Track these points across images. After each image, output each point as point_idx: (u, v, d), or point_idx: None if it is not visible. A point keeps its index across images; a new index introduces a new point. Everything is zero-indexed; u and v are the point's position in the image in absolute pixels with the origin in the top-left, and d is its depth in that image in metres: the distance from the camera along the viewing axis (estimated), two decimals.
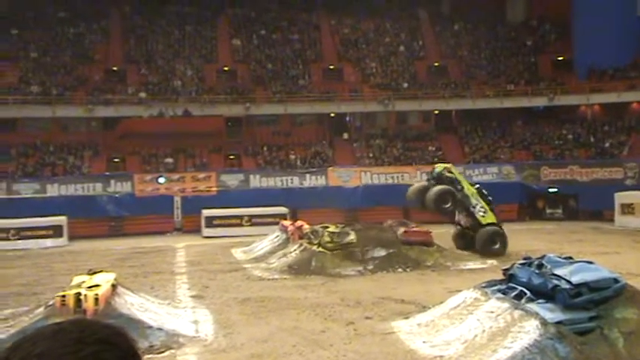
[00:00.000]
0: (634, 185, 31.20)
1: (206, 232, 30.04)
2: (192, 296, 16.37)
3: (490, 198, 22.47)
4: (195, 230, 30.45)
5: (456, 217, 22.67)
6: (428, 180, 23.26)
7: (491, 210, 22.20)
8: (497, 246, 21.60)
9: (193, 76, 38.56)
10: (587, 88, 36.20)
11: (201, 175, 33.83)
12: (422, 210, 23.58)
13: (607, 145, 35.02)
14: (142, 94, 36.16)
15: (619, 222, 29.31)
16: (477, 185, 23.13)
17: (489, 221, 21.92)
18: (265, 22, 42.35)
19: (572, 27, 38.13)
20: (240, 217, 30.63)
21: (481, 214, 22.04)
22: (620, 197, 29.86)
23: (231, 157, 36.57)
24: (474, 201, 22.12)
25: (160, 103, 35.61)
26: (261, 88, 38.20)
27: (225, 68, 39.95)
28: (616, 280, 11.33)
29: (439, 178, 22.42)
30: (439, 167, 23.14)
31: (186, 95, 36.67)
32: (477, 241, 21.77)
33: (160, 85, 37.25)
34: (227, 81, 39.23)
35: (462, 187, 22.29)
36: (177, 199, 32.20)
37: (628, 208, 29.61)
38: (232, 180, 33.85)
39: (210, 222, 30.41)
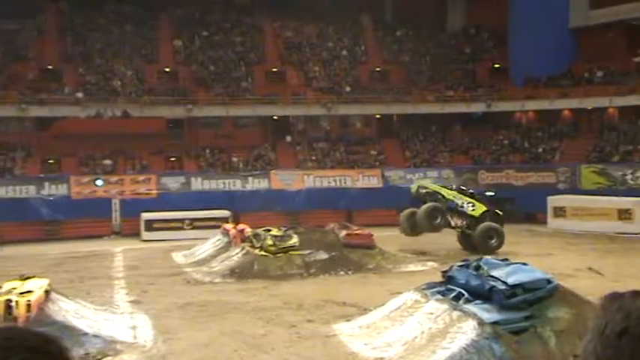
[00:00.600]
0: (566, 189, 32.42)
1: (146, 235, 29.46)
2: (130, 302, 16.03)
3: (472, 190, 24.33)
4: (135, 234, 29.82)
5: (452, 223, 23.47)
6: (411, 204, 24.23)
7: (478, 200, 23.51)
8: (493, 241, 22.51)
9: (133, 76, 37.76)
10: (523, 95, 37.37)
11: (141, 178, 33.16)
12: (418, 234, 24.11)
13: (540, 150, 36.24)
14: (79, 94, 35.15)
15: (552, 224, 30.38)
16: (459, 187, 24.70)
17: (482, 211, 23.12)
18: (208, 24, 41.92)
19: (508, 36, 39.33)
20: (182, 220, 30.19)
21: (470, 208, 23.25)
22: (553, 201, 30.97)
23: (173, 159, 35.99)
24: (458, 201, 23.34)
25: (98, 104, 34.70)
26: (203, 89, 37.78)
27: (167, 69, 39.32)
28: (549, 281, 11.75)
29: (418, 197, 23.61)
30: (413, 187, 24.64)
31: (126, 96, 35.87)
32: (474, 240, 22.57)
33: (98, 85, 36.31)
34: (168, 82, 38.61)
35: (442, 195, 23.44)
36: (116, 202, 31.46)
37: (560, 211, 30.74)
38: (173, 183, 33.32)
39: (150, 225, 29.86)
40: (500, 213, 23.38)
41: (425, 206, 23.25)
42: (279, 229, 21.90)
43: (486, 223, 22.90)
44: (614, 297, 0.98)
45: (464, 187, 24.36)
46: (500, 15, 39.39)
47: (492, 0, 41.06)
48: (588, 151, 34.45)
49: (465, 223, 23.33)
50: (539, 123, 38.02)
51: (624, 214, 28.75)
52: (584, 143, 35.24)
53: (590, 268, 19.49)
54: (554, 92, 36.51)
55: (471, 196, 23.79)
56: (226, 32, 41.82)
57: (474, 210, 23.22)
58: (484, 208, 23.34)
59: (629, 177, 31.29)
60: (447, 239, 24.05)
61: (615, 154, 33.36)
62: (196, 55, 40.03)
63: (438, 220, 23.08)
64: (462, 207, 23.31)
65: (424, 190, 23.94)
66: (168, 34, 41.05)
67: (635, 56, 36.31)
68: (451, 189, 24.22)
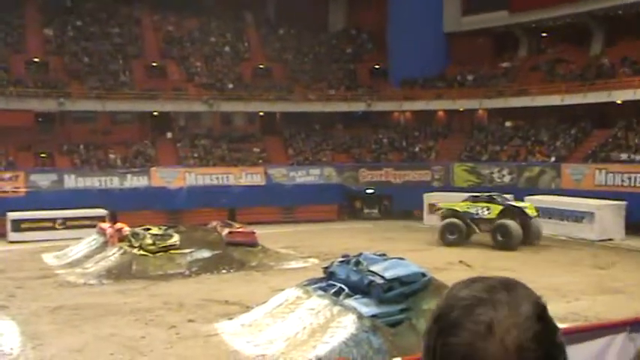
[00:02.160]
0: (440, 187, 34.08)
1: (12, 236, 27.61)
2: None
3: (490, 194, 25.75)
4: (0, 235, 27.81)
5: (479, 230, 25.07)
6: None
7: (494, 202, 24.93)
8: (503, 238, 23.69)
9: None
10: (401, 96, 38.81)
11: (7, 175, 31.02)
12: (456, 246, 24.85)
13: (417, 149, 37.84)
14: None
15: (427, 220, 31.80)
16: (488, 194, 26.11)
17: (498, 211, 24.47)
18: (81, 13, 39.88)
19: (387, 38, 40.68)
20: (53, 219, 28.58)
21: (486, 213, 24.78)
22: (428, 198, 32.44)
23: (43, 155, 33.92)
24: (472, 211, 25.11)
25: None
26: (77, 82, 35.91)
27: (36, 59, 36.97)
28: (423, 275, 12.31)
29: (447, 217, 25.70)
30: (441, 212, 26.58)
31: None
32: (497, 239, 23.89)
33: None
34: (37, 73, 36.31)
35: (457, 210, 25.43)
36: None
37: (434, 208, 32.25)
38: (44, 180, 31.45)
39: (18, 226, 28.04)
40: (506, 221, 24.11)
41: (441, 223, 25.63)
42: (160, 228, 21.35)
43: (499, 221, 24.14)
44: (452, 286, 1.03)
45: (477, 194, 26.15)
46: (379, 17, 40.63)
47: (372, 2, 42.28)
48: (460, 150, 36.41)
49: (489, 227, 24.50)
50: (416, 123, 39.66)
51: None
52: (457, 143, 37.20)
53: (461, 262, 20.65)
54: (430, 94, 38.23)
55: (488, 200, 25.15)
56: (102, 23, 40.03)
57: (489, 213, 24.66)
58: (500, 208, 24.60)
59: (496, 175, 33.40)
60: (329, 238, 24.52)
61: (484, 153, 35.50)
62: (69, 46, 37.98)
63: (454, 236, 24.92)
64: (477, 214, 25.00)
65: (449, 211, 25.89)
66: (37, 23, 38.60)
67: (502, 62, 38.83)
68: (469, 200, 25.66)
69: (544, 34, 38.70)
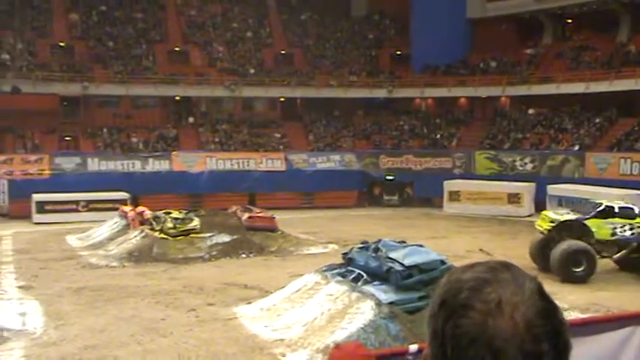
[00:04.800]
0: (461, 174, 33.86)
1: (37, 218, 28.04)
2: (19, 287, 15.28)
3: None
4: (25, 216, 28.27)
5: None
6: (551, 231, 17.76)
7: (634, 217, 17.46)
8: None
9: (24, 50, 35.58)
10: (422, 83, 38.54)
11: (33, 158, 31.45)
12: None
13: (438, 136, 37.59)
14: None
15: (447, 208, 31.68)
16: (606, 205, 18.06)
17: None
18: None
19: (409, 24, 40.34)
20: (77, 202, 28.95)
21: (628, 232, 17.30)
22: (449, 185, 32.28)
23: (67, 138, 34.34)
24: (611, 231, 17.32)
25: None
26: (101, 67, 36.20)
27: (61, 44, 37.32)
28: (443, 262, 12.27)
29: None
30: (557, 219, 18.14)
31: (16, 71, 33.77)
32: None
33: None
34: (63, 57, 36.67)
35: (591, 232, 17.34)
36: (4, 183, 29.67)
37: (455, 195, 32.11)
38: (68, 163, 31.83)
39: (42, 207, 28.44)
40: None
41: (566, 243, 16.73)
42: (180, 212, 21.53)
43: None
44: (450, 271, 1.04)
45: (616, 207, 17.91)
46: (402, 3, 40.28)
47: None
48: (482, 137, 36.09)
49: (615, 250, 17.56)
50: (437, 110, 39.37)
51: (514, 199, 30.45)
52: (479, 130, 36.89)
53: (481, 250, 20.55)
54: (452, 80, 37.89)
55: (628, 217, 17.61)
56: (126, 8, 40.22)
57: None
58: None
59: (518, 163, 33.08)
60: (349, 224, 24.54)
61: (506, 141, 35.15)
62: (94, 31, 38.26)
63: (581, 269, 16.39)
64: (616, 233, 17.38)
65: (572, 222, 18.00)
66: (62, 7, 38.92)
67: (526, 48, 38.32)
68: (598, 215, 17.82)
69: (569, 21, 38.08)
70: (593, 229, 17.24)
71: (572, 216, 18.07)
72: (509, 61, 37.78)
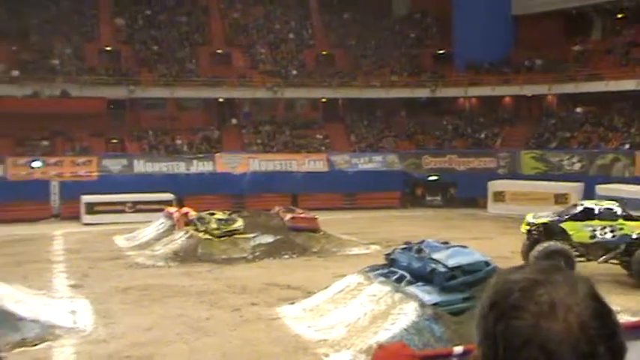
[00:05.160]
0: (505, 174, 33.32)
1: (86, 218, 28.76)
2: (70, 286, 15.69)
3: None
4: (75, 217, 29.06)
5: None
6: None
7: (627, 218, 16.76)
8: None
9: (72, 54, 36.55)
10: (465, 82, 38.05)
11: (81, 160, 32.28)
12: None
13: (482, 136, 37.07)
14: (15, 72, 33.83)
15: (491, 209, 31.20)
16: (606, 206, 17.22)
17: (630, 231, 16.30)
18: (151, 2, 40.90)
19: (452, 22, 39.89)
20: (123, 203, 29.59)
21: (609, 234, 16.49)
22: (493, 185, 31.81)
23: (114, 141, 35.13)
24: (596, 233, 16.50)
25: (34, 83, 33.49)
26: (146, 70, 36.93)
27: (108, 48, 38.22)
28: (487, 263, 12.10)
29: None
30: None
31: (65, 75, 34.73)
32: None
33: (35, 64, 34.99)
34: (109, 61, 37.55)
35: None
36: (55, 185, 30.54)
37: (499, 196, 31.62)
38: (115, 165, 32.57)
39: (91, 208, 29.16)
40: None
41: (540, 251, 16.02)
42: (224, 213, 21.76)
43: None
44: (499, 272, 1.03)
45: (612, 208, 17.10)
46: (444, 1, 39.87)
47: None
48: (527, 137, 35.43)
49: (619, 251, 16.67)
50: (481, 109, 38.83)
51: (561, 199, 29.75)
52: (524, 129, 36.22)
53: None
54: (496, 79, 37.30)
55: (626, 217, 16.87)
56: (170, 11, 40.93)
57: (622, 230, 16.57)
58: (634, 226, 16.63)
59: (565, 163, 32.37)
60: (391, 225, 24.43)
61: (553, 140, 34.42)
62: (139, 35, 39.06)
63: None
64: (596, 235, 16.52)
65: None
66: (109, 12, 39.87)
67: (574, 45, 37.44)
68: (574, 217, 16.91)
69: (620, 16, 37.03)
70: (570, 232, 16.51)
71: (549, 219, 17.22)
72: (556, 59, 36.98)
